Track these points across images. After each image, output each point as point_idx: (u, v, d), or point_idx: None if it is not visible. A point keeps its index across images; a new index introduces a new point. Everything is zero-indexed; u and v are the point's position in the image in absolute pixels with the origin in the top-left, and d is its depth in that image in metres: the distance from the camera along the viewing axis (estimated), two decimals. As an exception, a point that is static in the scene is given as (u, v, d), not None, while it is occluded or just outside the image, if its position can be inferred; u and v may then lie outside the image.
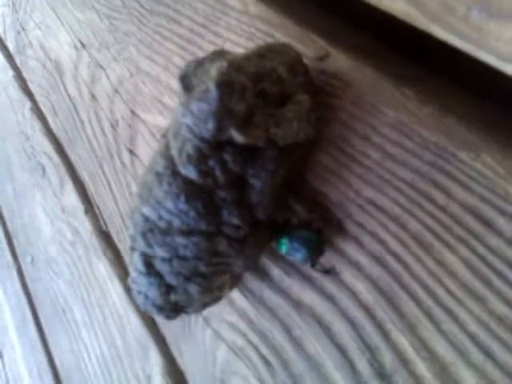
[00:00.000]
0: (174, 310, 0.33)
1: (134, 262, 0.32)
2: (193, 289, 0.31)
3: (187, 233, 0.29)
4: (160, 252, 0.30)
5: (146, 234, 0.30)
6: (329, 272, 0.31)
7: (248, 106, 0.25)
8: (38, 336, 0.79)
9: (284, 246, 0.31)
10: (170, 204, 0.28)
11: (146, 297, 0.32)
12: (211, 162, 0.27)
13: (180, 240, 0.29)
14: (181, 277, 0.31)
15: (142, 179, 0.30)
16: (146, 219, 0.30)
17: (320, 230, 0.30)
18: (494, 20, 0.21)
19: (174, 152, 0.28)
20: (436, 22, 0.23)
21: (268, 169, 0.27)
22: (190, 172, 0.27)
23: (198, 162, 0.27)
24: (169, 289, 0.31)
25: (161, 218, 0.29)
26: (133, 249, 0.32)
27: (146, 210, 0.29)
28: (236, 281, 0.35)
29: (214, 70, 0.25)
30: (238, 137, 0.25)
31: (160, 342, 0.49)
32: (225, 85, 0.24)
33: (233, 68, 0.25)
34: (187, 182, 0.27)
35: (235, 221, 0.28)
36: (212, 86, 0.24)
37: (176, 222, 0.29)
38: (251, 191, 0.28)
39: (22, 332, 0.88)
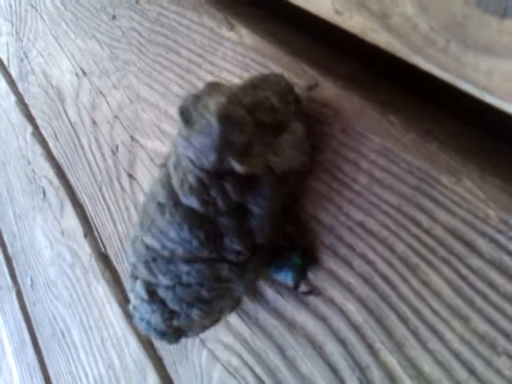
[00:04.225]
0: (176, 334, 0.34)
1: (137, 290, 0.32)
2: (195, 313, 0.32)
3: (190, 260, 0.30)
4: (164, 280, 0.31)
5: (149, 262, 0.31)
6: (310, 293, 0.32)
7: (248, 137, 0.27)
8: (36, 358, 0.79)
9: (272, 267, 0.32)
10: (173, 233, 0.29)
11: (149, 323, 0.33)
12: (213, 192, 0.27)
13: (183, 267, 0.30)
14: (183, 303, 0.31)
15: (142, 208, 0.31)
16: (149, 248, 0.30)
17: (310, 253, 0.32)
18: (471, 52, 0.22)
19: (175, 183, 0.28)
20: (418, 53, 0.25)
21: (266, 196, 0.28)
22: (192, 202, 0.28)
23: (200, 192, 0.27)
24: (171, 315, 0.32)
25: (164, 247, 0.30)
26: (135, 277, 0.33)
27: (149, 240, 0.30)
28: (236, 303, 0.36)
29: (213, 105, 0.26)
30: (238, 167, 0.26)
31: (157, 364, 0.50)
32: (226, 119, 0.25)
33: (232, 102, 0.26)
34: (189, 211, 0.28)
35: (237, 246, 0.29)
36: (214, 121, 0.25)
37: (179, 251, 0.29)
38: (251, 217, 0.29)
39: (19, 355, 0.88)
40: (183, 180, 0.28)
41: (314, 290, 0.32)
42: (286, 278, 0.32)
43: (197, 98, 0.27)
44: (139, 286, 0.32)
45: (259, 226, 0.29)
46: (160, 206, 0.29)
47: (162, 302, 0.32)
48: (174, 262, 0.30)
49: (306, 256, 0.31)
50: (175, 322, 0.32)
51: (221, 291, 0.32)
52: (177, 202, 0.28)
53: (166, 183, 0.29)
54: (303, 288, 0.32)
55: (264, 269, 0.33)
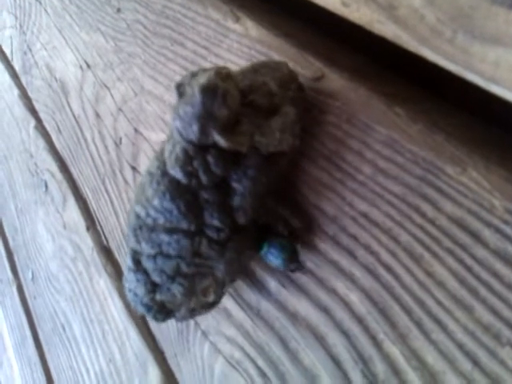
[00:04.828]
0: (162, 311, 0.34)
1: (126, 259, 0.33)
2: (176, 289, 0.32)
3: (170, 230, 0.30)
4: (146, 248, 0.32)
5: (136, 230, 0.32)
6: (298, 269, 0.32)
7: (231, 113, 0.27)
8: (37, 353, 0.79)
9: (262, 250, 0.33)
10: (156, 201, 0.30)
11: (135, 294, 0.34)
12: (195, 163, 0.28)
13: (164, 237, 0.31)
14: (164, 275, 0.32)
15: (139, 184, 0.32)
16: (137, 217, 0.32)
17: (302, 236, 0.32)
18: (478, 43, 0.22)
19: (166, 154, 0.30)
20: (425, 44, 0.25)
21: (251, 175, 0.29)
22: (177, 172, 0.29)
23: (184, 163, 0.28)
24: (154, 287, 0.33)
25: (148, 215, 0.31)
26: (126, 247, 0.34)
27: (138, 208, 0.31)
28: (220, 287, 0.36)
29: (202, 78, 0.27)
30: (221, 141, 0.27)
31: (159, 357, 0.50)
32: (207, 90, 0.26)
33: (219, 76, 0.27)
34: (173, 181, 0.29)
35: (216, 222, 0.30)
36: (196, 91, 0.26)
37: (161, 220, 0.30)
38: (234, 195, 0.29)
39: (20, 349, 0.88)
40: (171, 151, 0.29)
41: (299, 266, 0.32)
42: (276, 261, 0.32)
43: (193, 74, 0.28)
44: (128, 255, 0.33)
45: (242, 205, 0.30)
46: (150, 175, 0.30)
47: (146, 273, 0.32)
48: (156, 230, 0.31)
49: (297, 240, 0.32)
50: (158, 296, 0.33)
51: (201, 268, 0.32)
52: (164, 172, 0.29)
53: (160, 155, 0.30)
54: (290, 266, 0.32)
55: (251, 251, 0.33)
